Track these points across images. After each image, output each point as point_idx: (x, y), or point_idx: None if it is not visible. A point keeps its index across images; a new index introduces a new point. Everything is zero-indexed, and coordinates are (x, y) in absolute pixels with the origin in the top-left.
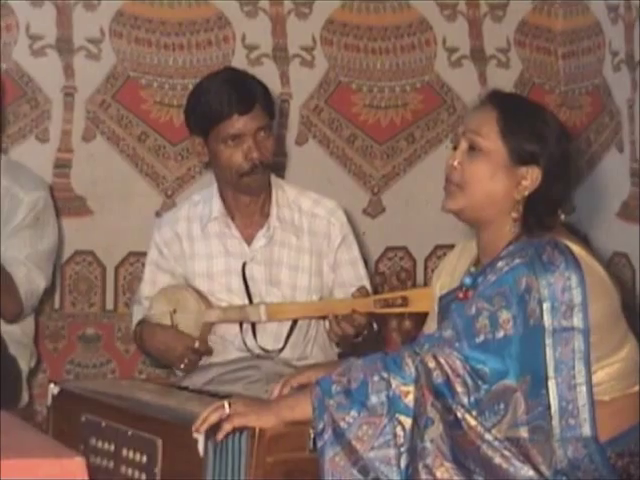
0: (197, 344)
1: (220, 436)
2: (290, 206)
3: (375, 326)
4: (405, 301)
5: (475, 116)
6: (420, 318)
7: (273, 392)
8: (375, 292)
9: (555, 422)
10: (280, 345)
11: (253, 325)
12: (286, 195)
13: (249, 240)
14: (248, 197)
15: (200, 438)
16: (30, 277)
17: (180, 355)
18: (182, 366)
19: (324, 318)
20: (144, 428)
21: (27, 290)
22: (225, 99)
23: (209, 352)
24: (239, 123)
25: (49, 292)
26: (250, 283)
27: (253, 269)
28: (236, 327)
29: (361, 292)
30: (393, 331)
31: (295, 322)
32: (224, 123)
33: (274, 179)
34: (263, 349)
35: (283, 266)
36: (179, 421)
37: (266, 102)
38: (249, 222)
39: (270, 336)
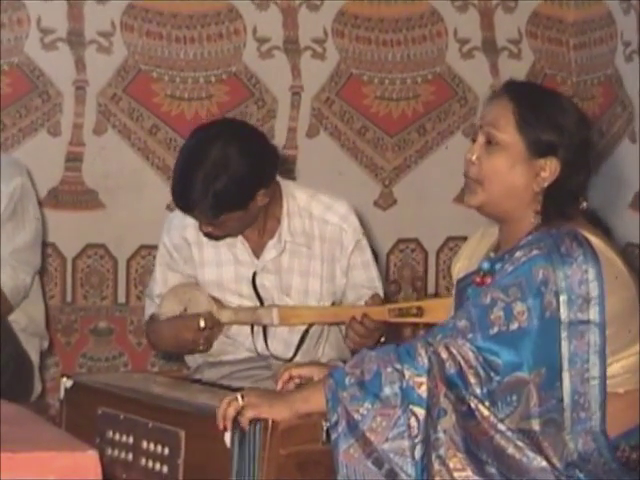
0: (202, 322)
1: (244, 428)
2: (300, 214)
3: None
4: (420, 311)
5: (491, 108)
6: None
7: (278, 385)
8: (388, 300)
9: (567, 415)
10: (290, 354)
11: (264, 329)
12: (296, 202)
13: (259, 249)
14: None
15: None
16: (15, 275)
17: (193, 340)
18: (201, 348)
19: (337, 324)
20: (165, 420)
21: (12, 289)
22: (173, 193)
23: (218, 324)
24: (186, 212)
25: (61, 286)
26: (261, 291)
27: (264, 278)
28: (247, 329)
29: (374, 300)
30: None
31: (307, 331)
32: None
33: (285, 184)
34: (273, 356)
35: (294, 273)
36: (202, 412)
37: (211, 206)
38: (257, 231)
39: (280, 342)
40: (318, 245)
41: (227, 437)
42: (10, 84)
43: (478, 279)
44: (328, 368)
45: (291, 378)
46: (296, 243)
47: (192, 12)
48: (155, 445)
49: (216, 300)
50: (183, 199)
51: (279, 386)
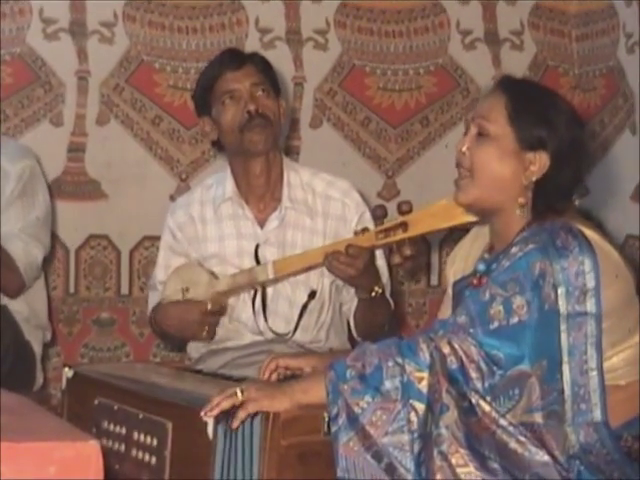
0: (210, 305)
1: (235, 424)
2: (304, 188)
3: (392, 304)
4: (405, 226)
5: (485, 102)
6: (420, 242)
7: (263, 372)
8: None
9: (567, 407)
10: (291, 328)
11: (264, 308)
12: (299, 176)
13: (262, 223)
14: (258, 167)
15: (210, 421)
16: (27, 250)
17: (197, 323)
18: (204, 334)
19: None
20: (155, 411)
21: (25, 264)
22: (217, 62)
23: (223, 310)
24: (232, 79)
25: (64, 276)
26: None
27: (266, 251)
28: (249, 309)
29: (364, 231)
30: (395, 265)
31: (305, 306)
32: (218, 83)
33: (287, 161)
34: (274, 332)
35: (297, 248)
36: (189, 404)
37: (261, 63)
38: (262, 205)
39: (281, 319)
40: (321, 221)
41: (210, 429)
42: (12, 74)
43: (475, 281)
44: (316, 358)
45: (277, 368)
46: (297, 211)
47: (194, 3)
48: (145, 436)
49: (216, 276)
50: (237, 53)
51: (265, 375)
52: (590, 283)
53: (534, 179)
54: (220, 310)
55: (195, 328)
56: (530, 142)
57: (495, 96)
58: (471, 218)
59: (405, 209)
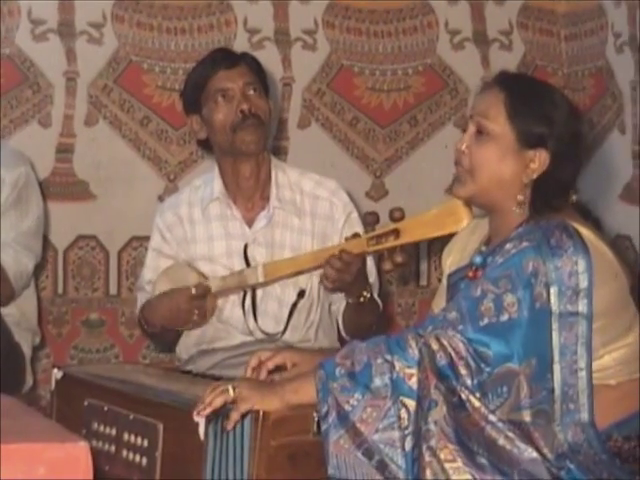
0: (194, 290)
1: (230, 426)
2: (292, 188)
3: (380, 304)
4: (397, 234)
5: (483, 99)
6: (411, 249)
7: (247, 371)
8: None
9: (557, 406)
10: (281, 328)
11: (254, 308)
12: (287, 176)
13: (250, 223)
14: (248, 168)
15: (201, 422)
16: (18, 259)
17: (186, 309)
18: (195, 318)
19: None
20: (145, 412)
21: (16, 272)
22: (209, 60)
23: (209, 290)
24: (225, 78)
25: (52, 277)
26: (252, 264)
27: (255, 251)
28: (239, 310)
29: (355, 237)
30: (386, 272)
31: (295, 305)
32: (211, 81)
33: (275, 161)
34: (264, 332)
35: (285, 248)
36: (180, 405)
37: (253, 63)
38: (250, 205)
39: (271, 319)
40: (309, 221)
41: (201, 430)
42: (1, 75)
43: (471, 273)
44: (299, 353)
45: (261, 363)
46: (285, 211)
47: (183, 3)
48: (135, 437)
49: (205, 277)
50: (230, 52)
51: (248, 372)
52: (583, 283)
53: (534, 176)
54: (204, 292)
55: (185, 315)
56: (530, 140)
57: (493, 93)
58: (462, 228)
59: (397, 216)
